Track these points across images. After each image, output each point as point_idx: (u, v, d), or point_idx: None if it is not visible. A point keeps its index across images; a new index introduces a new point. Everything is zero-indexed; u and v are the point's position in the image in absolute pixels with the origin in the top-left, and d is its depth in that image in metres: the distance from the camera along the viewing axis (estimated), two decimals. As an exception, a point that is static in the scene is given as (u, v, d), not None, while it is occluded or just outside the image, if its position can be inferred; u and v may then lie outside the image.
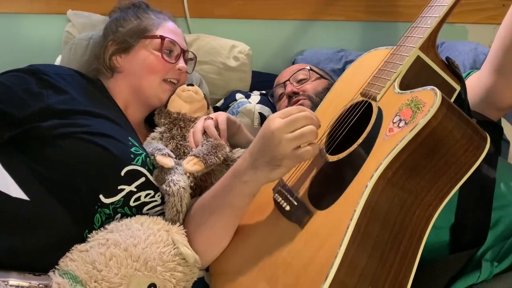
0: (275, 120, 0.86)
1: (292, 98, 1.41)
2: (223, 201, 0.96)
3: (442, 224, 0.80)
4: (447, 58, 0.92)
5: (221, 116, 1.19)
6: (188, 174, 1.08)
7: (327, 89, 1.39)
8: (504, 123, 1.25)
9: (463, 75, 1.09)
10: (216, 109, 1.56)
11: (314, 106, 1.35)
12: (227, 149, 1.12)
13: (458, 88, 0.91)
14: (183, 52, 1.27)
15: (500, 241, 0.91)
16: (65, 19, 1.57)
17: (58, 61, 1.49)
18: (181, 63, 1.25)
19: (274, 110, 1.53)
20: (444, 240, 0.89)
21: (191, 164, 1.06)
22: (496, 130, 0.99)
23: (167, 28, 1.26)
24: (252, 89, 1.66)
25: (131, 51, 1.22)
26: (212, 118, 1.17)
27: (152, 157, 1.08)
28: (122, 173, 1.03)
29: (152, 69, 1.21)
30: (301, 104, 1.37)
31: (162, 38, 1.22)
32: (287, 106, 1.42)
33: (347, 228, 0.73)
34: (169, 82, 1.25)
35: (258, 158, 0.88)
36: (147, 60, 1.21)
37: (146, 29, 1.24)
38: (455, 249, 0.89)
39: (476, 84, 1.03)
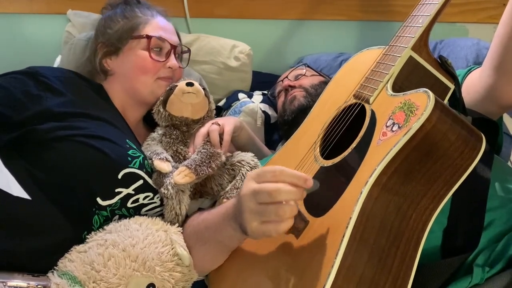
0: (248, 183, 0.79)
1: (288, 91, 1.41)
2: (214, 237, 0.94)
3: (435, 228, 0.78)
4: (440, 57, 0.90)
5: (228, 126, 1.16)
6: None
7: (324, 83, 1.39)
8: (507, 118, 1.23)
9: (465, 70, 1.08)
10: (218, 109, 1.56)
11: (309, 96, 1.35)
12: (223, 158, 1.10)
13: (452, 87, 0.89)
14: (174, 48, 1.23)
15: (492, 243, 0.89)
16: (65, 19, 1.57)
17: (57, 61, 1.49)
18: (171, 61, 1.21)
19: (275, 109, 1.53)
20: (436, 244, 0.88)
21: (182, 175, 1.03)
22: (492, 127, 0.97)
23: (155, 25, 1.22)
24: (252, 89, 1.66)
25: (120, 53, 1.20)
26: (219, 125, 1.14)
27: (150, 161, 1.08)
28: (119, 176, 1.03)
29: (142, 70, 1.18)
30: (295, 96, 1.37)
31: (148, 37, 1.18)
32: (283, 101, 1.42)
33: (343, 237, 0.71)
34: (163, 78, 1.21)
35: (237, 216, 0.83)
36: (136, 61, 1.18)
37: (132, 29, 1.20)
38: (447, 253, 0.87)
39: (477, 81, 1.02)
